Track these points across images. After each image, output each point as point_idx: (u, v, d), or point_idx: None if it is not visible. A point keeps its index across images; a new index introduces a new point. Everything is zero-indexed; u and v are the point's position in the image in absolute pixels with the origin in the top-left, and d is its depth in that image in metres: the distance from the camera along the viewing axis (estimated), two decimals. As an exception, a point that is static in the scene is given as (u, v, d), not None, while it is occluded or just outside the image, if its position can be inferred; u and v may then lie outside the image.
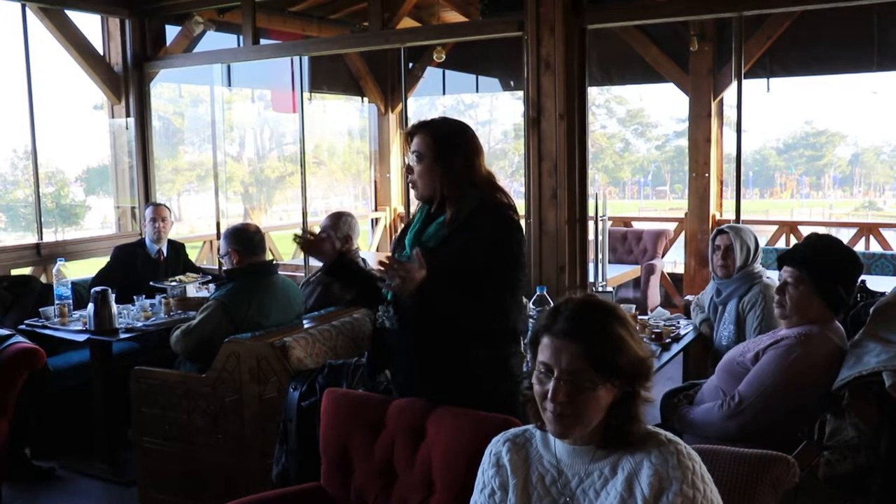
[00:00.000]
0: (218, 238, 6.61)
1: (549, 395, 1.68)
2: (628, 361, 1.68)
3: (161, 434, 3.81)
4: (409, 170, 2.61)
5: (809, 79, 18.33)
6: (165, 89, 10.82)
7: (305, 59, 6.67)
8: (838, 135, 32.60)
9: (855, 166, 33.00)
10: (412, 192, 2.65)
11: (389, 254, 2.55)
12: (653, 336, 3.90)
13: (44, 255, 5.92)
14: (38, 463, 4.44)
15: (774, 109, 31.53)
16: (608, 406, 1.69)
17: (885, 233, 7.85)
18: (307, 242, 2.71)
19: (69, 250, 6.10)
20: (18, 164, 23.84)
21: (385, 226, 9.77)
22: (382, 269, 2.35)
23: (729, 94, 7.71)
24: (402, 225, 3.02)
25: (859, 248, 7.58)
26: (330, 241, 2.75)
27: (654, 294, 7.91)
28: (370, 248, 9.52)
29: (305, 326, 3.84)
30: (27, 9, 5.95)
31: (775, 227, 8.25)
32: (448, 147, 2.57)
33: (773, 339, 2.94)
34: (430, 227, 2.60)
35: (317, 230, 3.76)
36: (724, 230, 3.98)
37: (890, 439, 2.55)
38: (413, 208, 2.80)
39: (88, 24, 6.58)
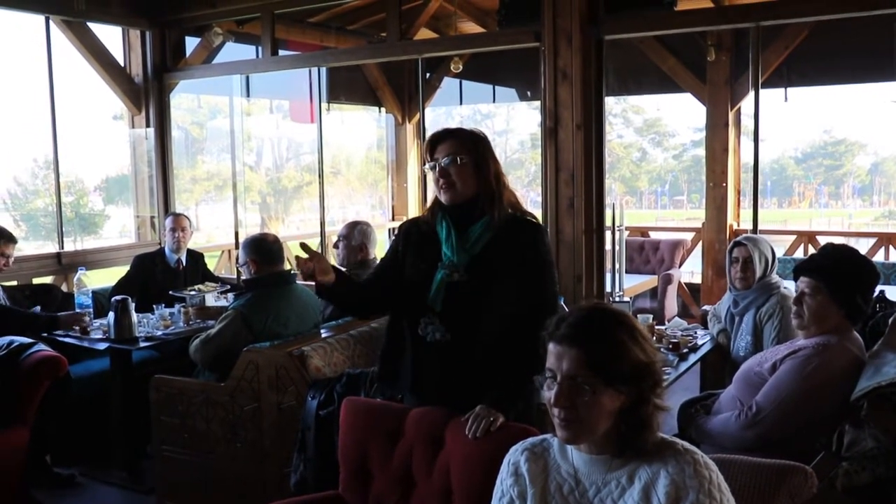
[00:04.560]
0: (236, 247, 6.65)
1: (553, 400, 1.69)
2: (630, 366, 1.67)
3: (180, 442, 3.83)
4: (442, 172, 2.59)
5: (827, 88, 18.30)
6: (185, 100, 10.90)
7: (324, 69, 6.72)
8: (857, 144, 32.34)
9: (874, 175, 32.73)
10: (443, 196, 2.61)
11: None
12: (670, 346, 3.91)
13: (65, 264, 5.98)
14: (59, 470, 4.48)
15: (792, 119, 31.28)
16: (616, 412, 1.68)
17: (905, 243, 7.78)
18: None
19: (89, 259, 6.16)
20: (38, 173, 24.12)
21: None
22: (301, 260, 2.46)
23: (746, 104, 7.68)
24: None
25: (879, 258, 7.52)
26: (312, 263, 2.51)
27: (672, 304, 7.88)
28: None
29: (323, 335, 3.85)
30: (51, 21, 6.04)
31: (793, 237, 8.21)
32: (485, 149, 2.66)
33: (791, 349, 2.93)
34: (474, 230, 2.62)
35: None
36: (741, 242, 3.97)
37: (909, 450, 2.54)
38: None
39: (110, 35, 6.67)
